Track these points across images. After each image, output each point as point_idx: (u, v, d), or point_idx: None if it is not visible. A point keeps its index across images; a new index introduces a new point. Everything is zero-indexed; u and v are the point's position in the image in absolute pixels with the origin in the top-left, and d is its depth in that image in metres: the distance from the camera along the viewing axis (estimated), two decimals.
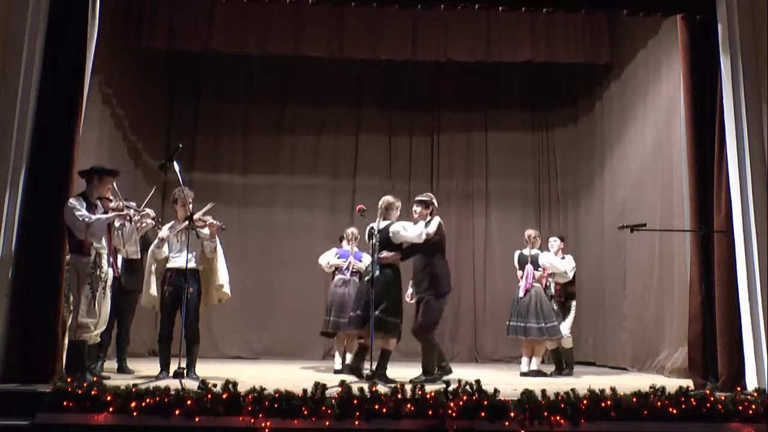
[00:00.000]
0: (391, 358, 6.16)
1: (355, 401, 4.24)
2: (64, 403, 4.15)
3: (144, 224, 6.15)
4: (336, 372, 7.12)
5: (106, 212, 5.42)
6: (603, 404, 4.34)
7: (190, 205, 6.04)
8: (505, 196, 10.48)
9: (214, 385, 4.29)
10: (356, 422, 4.18)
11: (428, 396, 4.28)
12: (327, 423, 4.16)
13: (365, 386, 4.47)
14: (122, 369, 6.62)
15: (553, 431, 4.24)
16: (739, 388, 5.18)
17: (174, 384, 4.48)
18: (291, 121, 10.46)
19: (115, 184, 5.64)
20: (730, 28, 5.71)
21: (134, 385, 4.33)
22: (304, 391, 4.30)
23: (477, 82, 10.37)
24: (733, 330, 5.43)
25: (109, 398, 4.17)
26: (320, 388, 4.30)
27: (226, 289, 6.20)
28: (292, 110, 10.46)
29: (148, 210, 6.18)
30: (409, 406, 4.23)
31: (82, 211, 5.22)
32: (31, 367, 4.95)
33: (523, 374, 7.15)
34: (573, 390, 4.41)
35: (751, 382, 5.24)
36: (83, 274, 5.25)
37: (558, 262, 7.39)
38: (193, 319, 5.93)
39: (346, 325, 6.84)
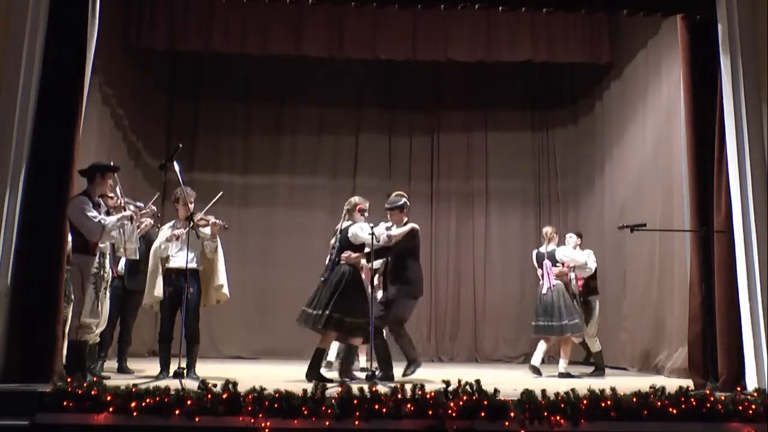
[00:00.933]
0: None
1: (355, 401, 4.24)
2: (64, 403, 4.15)
3: (144, 224, 6.16)
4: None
5: (108, 210, 5.44)
6: (603, 404, 4.34)
7: (191, 205, 6.05)
8: (505, 196, 10.48)
9: (214, 385, 4.29)
10: (356, 422, 4.18)
11: (428, 396, 4.28)
12: (327, 423, 4.17)
13: (365, 386, 4.47)
14: (122, 369, 6.62)
15: (553, 431, 4.24)
16: (739, 388, 5.18)
17: (174, 384, 4.48)
18: (291, 121, 10.46)
19: (118, 181, 5.65)
20: (730, 28, 5.71)
21: (134, 385, 4.33)
22: (304, 391, 4.30)
23: (477, 82, 10.39)
24: (733, 330, 5.43)
25: (109, 398, 4.17)
26: (320, 388, 4.31)
27: (225, 290, 6.20)
28: (292, 110, 10.46)
29: (150, 206, 6.18)
30: (409, 406, 4.23)
31: (94, 213, 5.22)
32: (31, 367, 4.95)
33: (560, 375, 6.93)
34: (573, 390, 4.41)
35: (751, 382, 5.24)
36: (88, 274, 5.24)
37: (576, 254, 7.30)
38: (193, 319, 5.93)
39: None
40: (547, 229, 7.47)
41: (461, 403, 4.25)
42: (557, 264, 7.19)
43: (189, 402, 4.18)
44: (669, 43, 7.32)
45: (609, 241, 9.11)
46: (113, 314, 6.13)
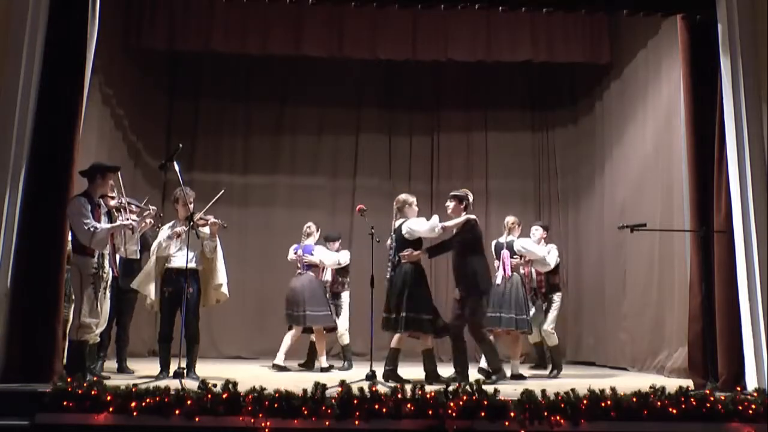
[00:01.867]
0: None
1: (355, 401, 4.24)
2: (64, 403, 4.16)
3: (144, 224, 6.15)
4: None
5: (108, 211, 5.44)
6: (603, 404, 4.34)
7: (191, 205, 6.05)
8: (505, 196, 10.45)
9: (214, 385, 4.29)
10: (356, 422, 4.19)
11: (428, 396, 4.29)
12: (327, 423, 4.17)
13: (365, 386, 4.47)
14: (122, 369, 6.62)
15: (553, 431, 4.24)
16: (739, 388, 5.17)
17: (174, 384, 4.49)
18: (291, 121, 10.46)
19: (120, 179, 5.65)
20: (730, 28, 5.70)
21: (134, 385, 4.33)
22: (304, 391, 4.30)
23: (477, 82, 10.39)
24: (733, 330, 5.43)
25: (109, 398, 4.17)
26: (320, 388, 4.30)
27: (225, 289, 6.20)
28: (292, 110, 10.46)
29: (150, 207, 6.17)
30: (409, 406, 4.24)
31: (88, 218, 5.22)
32: (31, 367, 4.95)
33: (512, 377, 6.64)
34: (573, 390, 4.41)
35: (751, 382, 5.24)
36: (87, 274, 5.24)
37: (534, 247, 7.06)
38: (192, 319, 5.94)
39: (301, 320, 7.27)
40: (509, 219, 7.23)
41: (461, 403, 4.25)
42: (515, 256, 6.97)
43: (189, 402, 4.18)
44: (669, 43, 7.32)
45: (609, 241, 9.11)
46: (110, 314, 6.12)
